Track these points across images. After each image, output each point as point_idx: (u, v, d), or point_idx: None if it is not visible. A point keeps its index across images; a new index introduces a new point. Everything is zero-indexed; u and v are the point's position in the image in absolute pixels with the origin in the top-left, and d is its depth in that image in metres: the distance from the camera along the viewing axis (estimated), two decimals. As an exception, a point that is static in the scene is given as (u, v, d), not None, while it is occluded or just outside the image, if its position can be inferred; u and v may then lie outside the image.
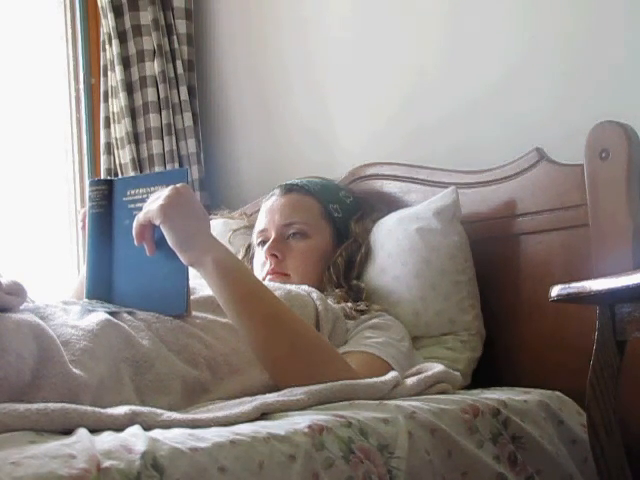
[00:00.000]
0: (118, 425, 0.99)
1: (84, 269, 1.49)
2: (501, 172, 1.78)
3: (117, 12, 2.45)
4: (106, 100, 2.48)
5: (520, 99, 1.90)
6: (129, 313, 1.33)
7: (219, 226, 2.04)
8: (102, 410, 1.02)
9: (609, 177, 1.56)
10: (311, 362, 1.32)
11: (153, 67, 2.44)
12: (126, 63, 2.46)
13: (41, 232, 2.52)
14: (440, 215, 1.75)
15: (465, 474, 1.20)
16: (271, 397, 1.18)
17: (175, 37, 2.47)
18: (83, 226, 1.52)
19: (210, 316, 1.39)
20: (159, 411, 1.06)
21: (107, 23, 2.45)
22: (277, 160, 2.40)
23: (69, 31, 2.60)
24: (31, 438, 0.91)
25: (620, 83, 1.75)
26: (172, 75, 2.45)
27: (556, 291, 1.17)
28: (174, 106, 2.45)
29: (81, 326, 1.22)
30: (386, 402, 1.23)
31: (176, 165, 2.42)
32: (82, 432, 0.94)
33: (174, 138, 2.44)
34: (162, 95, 2.42)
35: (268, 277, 1.73)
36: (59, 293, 2.17)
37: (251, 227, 1.95)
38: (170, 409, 1.12)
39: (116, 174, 2.45)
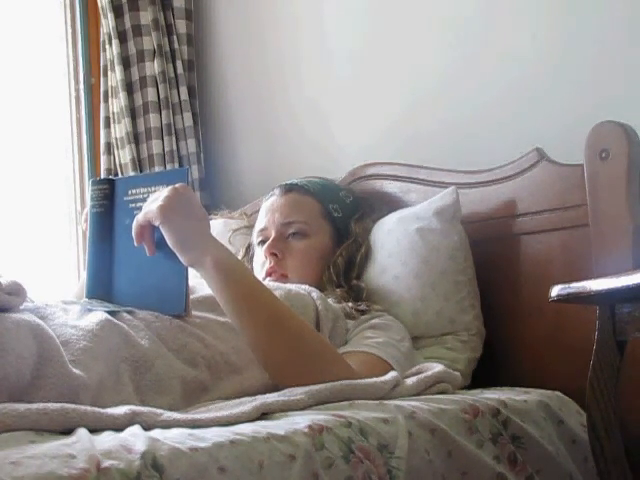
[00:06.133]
0: (118, 425, 0.99)
1: (85, 274, 1.49)
2: (501, 172, 1.78)
3: (117, 12, 2.45)
4: (106, 100, 2.48)
5: (520, 99, 1.90)
6: (129, 313, 1.33)
7: (219, 226, 2.04)
8: (102, 410, 1.02)
9: (609, 177, 1.55)
10: (311, 362, 1.32)
11: (153, 67, 2.44)
12: (126, 63, 2.46)
13: (41, 232, 2.52)
14: (440, 215, 1.75)
15: (465, 474, 1.20)
16: (271, 397, 1.18)
17: (175, 37, 2.47)
18: (86, 227, 1.51)
19: (210, 315, 1.39)
20: (159, 411, 1.06)
21: (107, 23, 2.45)
22: (277, 160, 2.40)
23: (69, 31, 2.59)
24: (31, 438, 0.91)
25: (620, 83, 1.75)
26: (172, 75, 2.45)
27: (556, 291, 1.17)
28: (174, 106, 2.45)
29: (81, 326, 1.22)
30: (386, 402, 1.23)
31: (176, 165, 2.42)
32: (82, 432, 0.94)
33: (174, 138, 2.44)
34: (162, 95, 2.42)
35: (267, 278, 1.72)
36: (59, 293, 2.17)
37: (251, 227, 1.95)
38: (170, 409, 1.12)
39: (116, 174, 2.45)
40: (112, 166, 2.47)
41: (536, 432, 1.33)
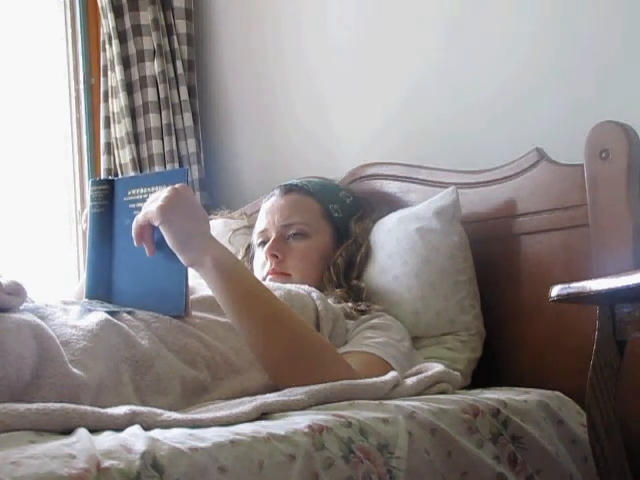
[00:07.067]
0: (118, 425, 0.99)
1: (85, 274, 1.49)
2: (501, 172, 1.78)
3: (117, 12, 2.45)
4: (106, 100, 2.48)
5: (520, 99, 1.90)
6: (129, 313, 1.33)
7: (219, 226, 2.04)
8: (102, 410, 1.02)
9: (609, 177, 1.56)
10: (311, 362, 1.32)
11: (153, 67, 2.44)
12: (126, 63, 2.46)
13: (41, 232, 2.52)
14: (440, 215, 1.75)
15: (465, 474, 1.20)
16: (271, 397, 1.18)
17: (175, 37, 2.47)
18: (86, 227, 1.51)
19: (210, 316, 1.39)
20: (159, 411, 1.06)
21: (107, 23, 2.45)
22: (277, 160, 2.40)
23: (69, 31, 2.59)
24: (31, 438, 0.91)
25: (620, 83, 1.75)
26: (172, 75, 2.45)
27: (556, 291, 1.17)
28: (174, 106, 2.45)
29: (81, 326, 1.22)
30: (386, 402, 1.23)
31: (176, 165, 2.42)
32: (82, 432, 0.94)
33: (174, 138, 2.44)
34: (162, 95, 2.43)
35: (268, 277, 1.73)
36: (59, 293, 2.17)
37: (251, 227, 1.95)
38: (170, 409, 1.12)
39: (116, 174, 2.45)
40: (112, 166, 2.47)
41: (536, 432, 1.33)
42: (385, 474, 1.08)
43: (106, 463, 0.83)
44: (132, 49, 2.46)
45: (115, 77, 2.45)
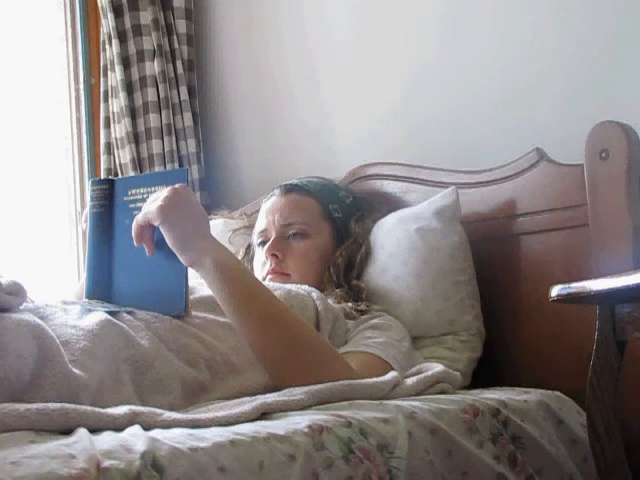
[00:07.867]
0: (118, 425, 1.00)
1: (85, 275, 1.49)
2: (501, 172, 1.78)
3: (117, 12, 2.45)
4: (106, 100, 2.48)
5: (520, 99, 1.90)
6: (128, 313, 1.33)
7: (219, 226, 2.04)
8: (102, 410, 1.02)
9: (609, 177, 1.56)
10: (310, 362, 1.32)
11: (153, 67, 2.44)
12: (126, 63, 2.46)
13: (41, 232, 2.52)
14: (440, 215, 1.75)
15: (465, 474, 1.20)
16: (271, 397, 1.18)
17: (175, 37, 2.47)
18: (86, 227, 1.51)
19: (210, 316, 1.40)
20: (159, 411, 1.06)
21: (107, 23, 2.45)
22: (277, 160, 2.40)
23: (69, 31, 2.59)
24: (31, 438, 0.91)
25: (620, 83, 1.75)
26: (172, 75, 2.45)
27: (556, 291, 1.17)
28: (174, 106, 2.45)
29: (81, 326, 1.22)
30: (386, 402, 1.23)
31: (176, 165, 2.42)
32: (82, 432, 0.94)
33: (174, 138, 2.44)
34: (162, 95, 2.43)
35: (268, 277, 1.73)
36: (59, 293, 2.17)
37: (251, 227, 1.95)
38: (170, 409, 1.13)
39: (116, 174, 2.45)
40: (112, 166, 2.47)
41: (536, 432, 1.33)
42: (385, 474, 1.08)
43: (106, 463, 0.83)
44: (132, 49, 2.46)
45: (115, 77, 2.45)
